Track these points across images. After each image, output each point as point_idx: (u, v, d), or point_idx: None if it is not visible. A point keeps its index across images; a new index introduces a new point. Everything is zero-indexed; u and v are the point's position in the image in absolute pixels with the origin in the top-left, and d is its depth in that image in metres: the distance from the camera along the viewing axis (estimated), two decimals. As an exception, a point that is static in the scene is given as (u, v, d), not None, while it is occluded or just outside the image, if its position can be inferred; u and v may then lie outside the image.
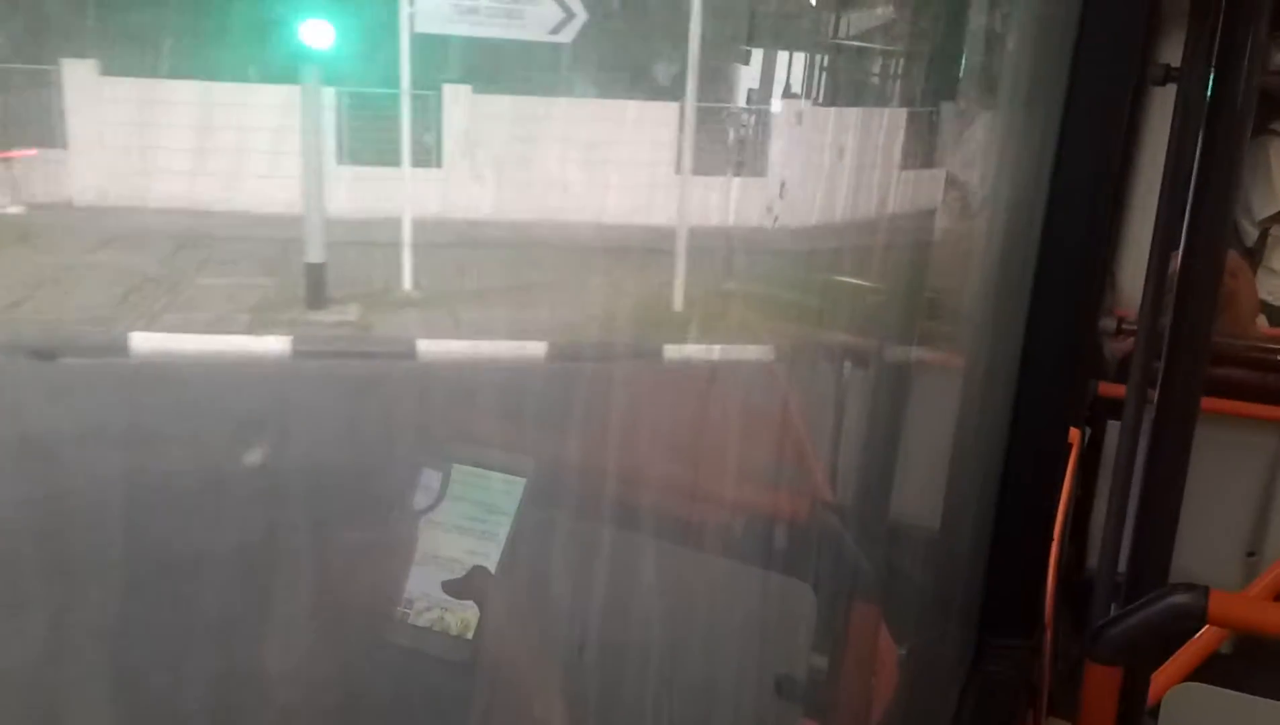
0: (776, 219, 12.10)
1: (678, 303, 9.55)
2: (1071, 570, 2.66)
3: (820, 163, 12.04)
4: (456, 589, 1.11)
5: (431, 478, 1.14)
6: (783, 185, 12.66)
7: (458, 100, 11.75)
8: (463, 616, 1.11)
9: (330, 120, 10.85)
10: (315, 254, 8.57)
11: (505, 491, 1.14)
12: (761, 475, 1.88)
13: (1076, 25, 1.31)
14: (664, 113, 12.31)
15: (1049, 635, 1.63)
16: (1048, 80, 1.46)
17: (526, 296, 9.06)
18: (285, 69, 7.87)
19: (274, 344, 7.55)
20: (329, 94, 10.60)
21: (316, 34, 7.74)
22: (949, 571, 1.57)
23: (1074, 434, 2.24)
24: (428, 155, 11.51)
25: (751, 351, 7.06)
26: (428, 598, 1.12)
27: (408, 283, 9.12)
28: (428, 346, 7.76)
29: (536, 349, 7.75)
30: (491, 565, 1.11)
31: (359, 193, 10.04)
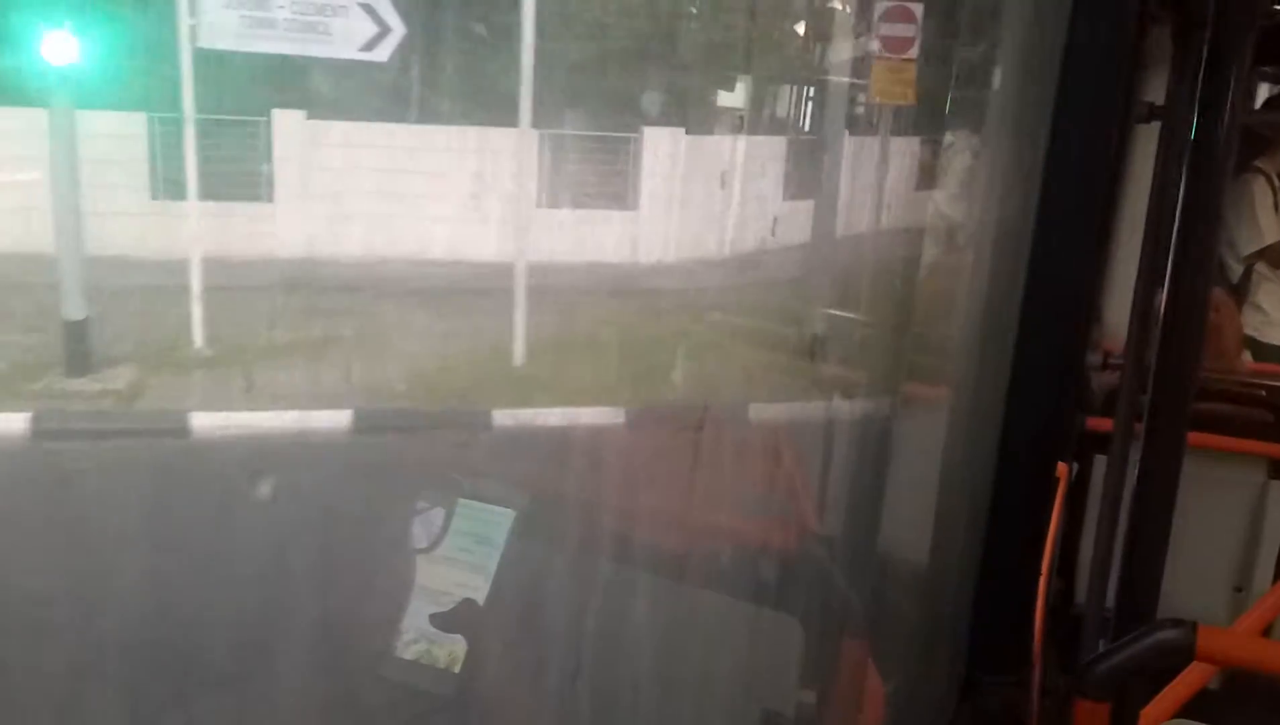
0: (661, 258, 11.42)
1: (518, 355, 8.29)
2: (1060, 605, 2.65)
3: (700, 193, 12.29)
4: (445, 622, 1.10)
5: (435, 515, 1.13)
6: (653, 218, 12.26)
7: (289, 127, 10.40)
8: (450, 650, 1.10)
9: (143, 150, 10.02)
10: (74, 309, 6.90)
11: (496, 523, 1.13)
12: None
13: (1060, 62, 1.32)
14: (523, 141, 11.20)
15: (1037, 671, 1.62)
16: (1033, 116, 1.47)
17: (344, 350, 7.57)
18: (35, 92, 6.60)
19: (8, 422, 5.81)
20: (140, 120, 9.91)
21: (59, 49, 6.18)
22: (937, 606, 1.56)
23: (1062, 468, 2.24)
24: (254, 187, 10.26)
25: (604, 413, 6.60)
26: (416, 630, 1.11)
27: (199, 338, 7.54)
28: (205, 421, 6.19)
29: (338, 419, 6.30)
30: (480, 598, 1.10)
31: (170, 231, 8.74)
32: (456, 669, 1.10)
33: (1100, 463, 2.50)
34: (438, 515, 1.15)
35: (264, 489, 4.33)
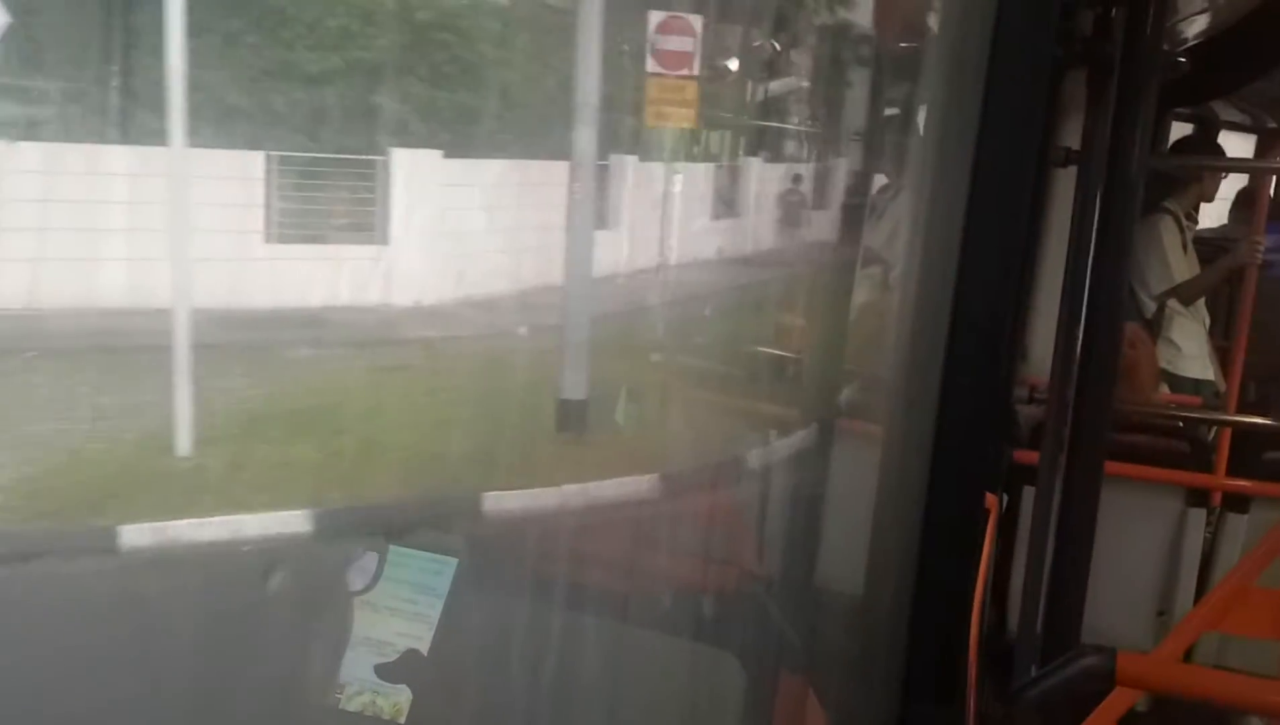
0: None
1: (183, 439, 6.04)
2: (993, 634, 2.70)
3: (467, 224, 11.04)
4: (389, 673, 1.09)
5: (368, 559, 1.12)
6: (408, 252, 10.96)
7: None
8: (395, 701, 1.09)
9: None
10: None
11: (437, 572, 1.13)
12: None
13: (980, 109, 1.38)
14: (246, 165, 10.00)
15: (971, 699, 1.65)
16: (955, 159, 1.52)
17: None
18: None
19: None
20: None
21: None
22: (873, 639, 1.58)
23: (991, 500, 2.30)
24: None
25: (284, 521, 5.32)
26: (360, 681, 1.09)
27: None
28: None
29: None
30: (424, 647, 1.10)
31: None
32: (402, 720, 1.09)
33: (1029, 494, 2.56)
34: (370, 560, 1.14)
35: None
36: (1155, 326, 4.25)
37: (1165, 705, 2.72)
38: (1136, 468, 2.81)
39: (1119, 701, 2.08)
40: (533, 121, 12.78)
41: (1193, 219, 4.66)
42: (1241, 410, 3.34)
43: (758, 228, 18.35)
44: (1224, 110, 5.16)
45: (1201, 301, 4.38)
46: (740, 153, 18.26)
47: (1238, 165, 4.86)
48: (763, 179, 18.80)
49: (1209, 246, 4.55)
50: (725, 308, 11.46)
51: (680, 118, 10.58)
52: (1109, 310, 1.69)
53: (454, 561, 1.14)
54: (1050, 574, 1.78)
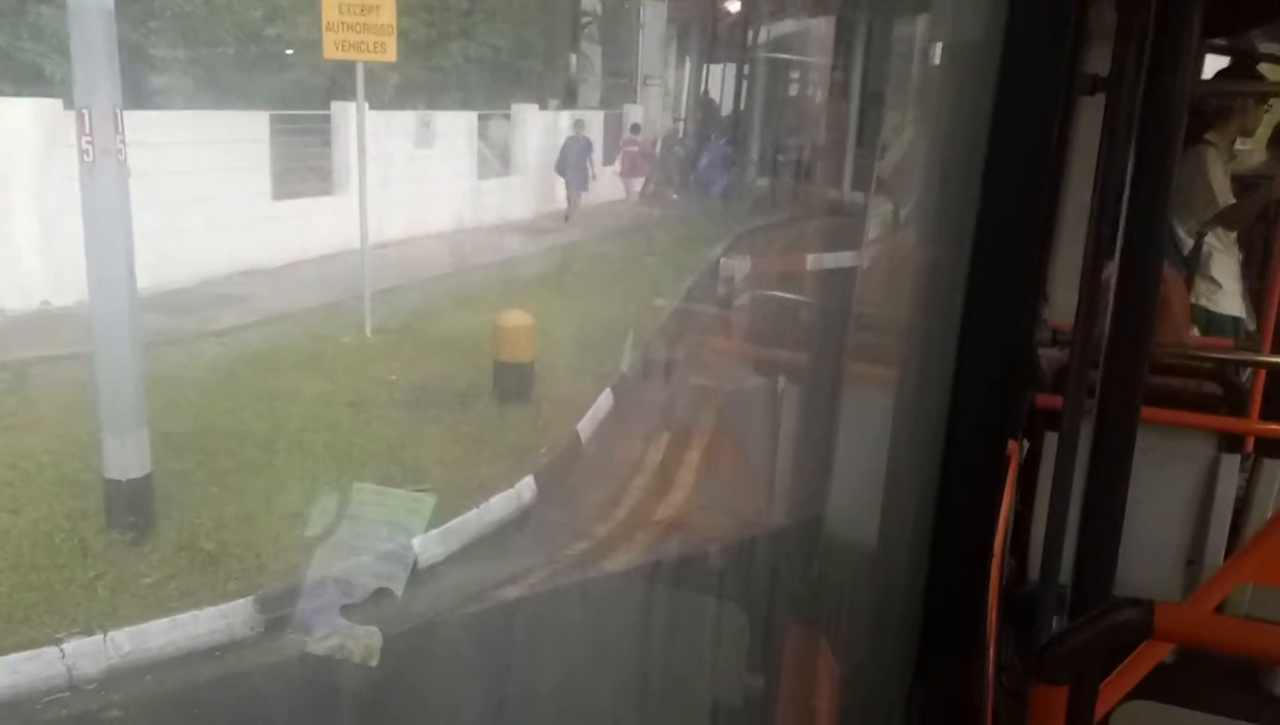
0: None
1: None
2: (1013, 584, 2.69)
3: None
4: (358, 615, 1.08)
5: (328, 499, 1.11)
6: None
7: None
8: (366, 643, 1.08)
9: None
10: None
11: (412, 508, 1.11)
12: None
13: (1002, 36, 1.33)
14: None
15: (991, 651, 1.65)
16: (975, 90, 1.48)
17: None
18: None
19: None
20: None
21: None
22: (887, 588, 1.58)
23: (1012, 447, 2.28)
24: None
25: None
26: (329, 624, 1.08)
27: None
28: None
29: None
30: (398, 588, 1.08)
31: None
32: (374, 663, 1.08)
33: (1051, 440, 2.54)
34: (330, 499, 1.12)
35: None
36: (1192, 263, 4.21)
37: (1191, 657, 2.72)
38: (1167, 412, 2.77)
39: (1151, 653, 2.07)
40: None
41: (1231, 155, 4.60)
42: (1277, 351, 3.28)
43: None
44: (1262, 42, 5.04)
45: (1234, 239, 4.33)
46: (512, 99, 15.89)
47: (1270, 90, 4.73)
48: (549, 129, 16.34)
49: (1244, 185, 4.49)
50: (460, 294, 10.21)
51: (371, 48, 8.92)
52: (1148, 245, 1.65)
53: (432, 497, 1.12)
54: (1080, 523, 1.76)
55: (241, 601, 4.68)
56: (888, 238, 1.87)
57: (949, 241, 1.59)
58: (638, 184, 16.93)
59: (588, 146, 15.71)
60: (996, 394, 1.63)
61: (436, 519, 5.27)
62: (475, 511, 5.65)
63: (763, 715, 1.63)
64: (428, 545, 5.10)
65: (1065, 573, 2.02)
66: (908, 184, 1.87)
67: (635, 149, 16.98)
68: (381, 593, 3.83)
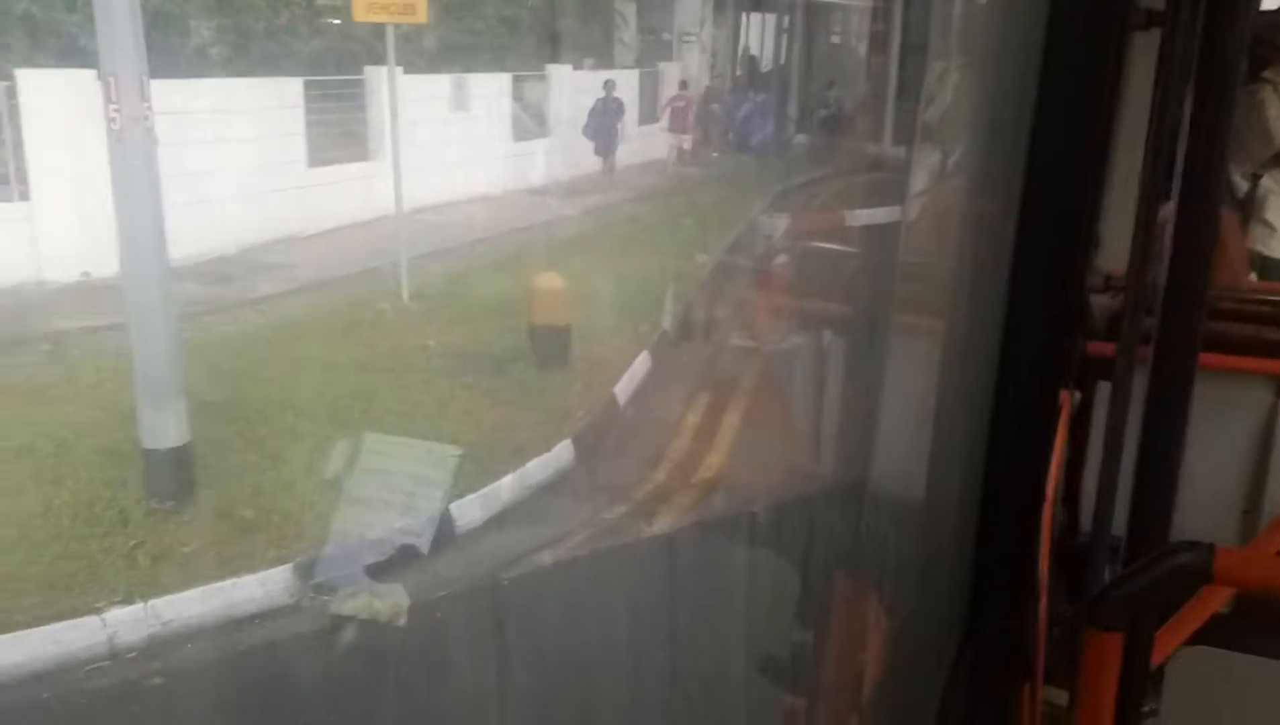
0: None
1: None
2: (1065, 535, 2.67)
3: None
4: (383, 572, 1.07)
5: (343, 446, 1.10)
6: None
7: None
8: (394, 602, 1.07)
9: None
10: None
11: (436, 462, 1.10)
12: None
13: None
14: None
15: (1044, 601, 1.64)
16: (1025, 30, 1.44)
17: None
18: None
19: None
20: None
21: None
22: (937, 540, 1.57)
23: (1064, 396, 2.25)
24: None
25: None
26: (353, 582, 1.08)
27: None
28: None
29: None
30: (424, 544, 1.08)
31: None
32: (401, 623, 1.08)
33: (1103, 389, 2.50)
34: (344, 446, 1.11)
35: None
36: (1248, 206, 4.11)
37: (1247, 608, 2.68)
38: (1224, 358, 2.72)
39: (1209, 602, 2.04)
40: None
41: None
42: None
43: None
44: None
45: None
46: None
47: None
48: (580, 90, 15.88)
49: None
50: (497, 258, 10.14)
51: (400, 9, 9.07)
52: (1206, 187, 1.60)
53: (456, 450, 1.12)
54: (1136, 471, 1.73)
55: (280, 569, 4.66)
56: (934, 188, 1.84)
57: (999, 187, 1.56)
58: (687, 141, 16.74)
59: (619, 109, 15.34)
60: (1048, 342, 1.61)
61: (474, 483, 5.27)
62: (512, 476, 5.66)
63: (810, 668, 1.63)
64: (465, 510, 5.11)
65: (1118, 524, 2.00)
66: (954, 132, 1.84)
67: (683, 104, 16.77)
68: (412, 553, 3.94)
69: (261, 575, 4.67)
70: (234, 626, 4.49)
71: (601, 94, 15.27)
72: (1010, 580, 1.47)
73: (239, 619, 4.52)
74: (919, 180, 1.94)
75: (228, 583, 4.63)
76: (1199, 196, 1.63)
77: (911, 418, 1.58)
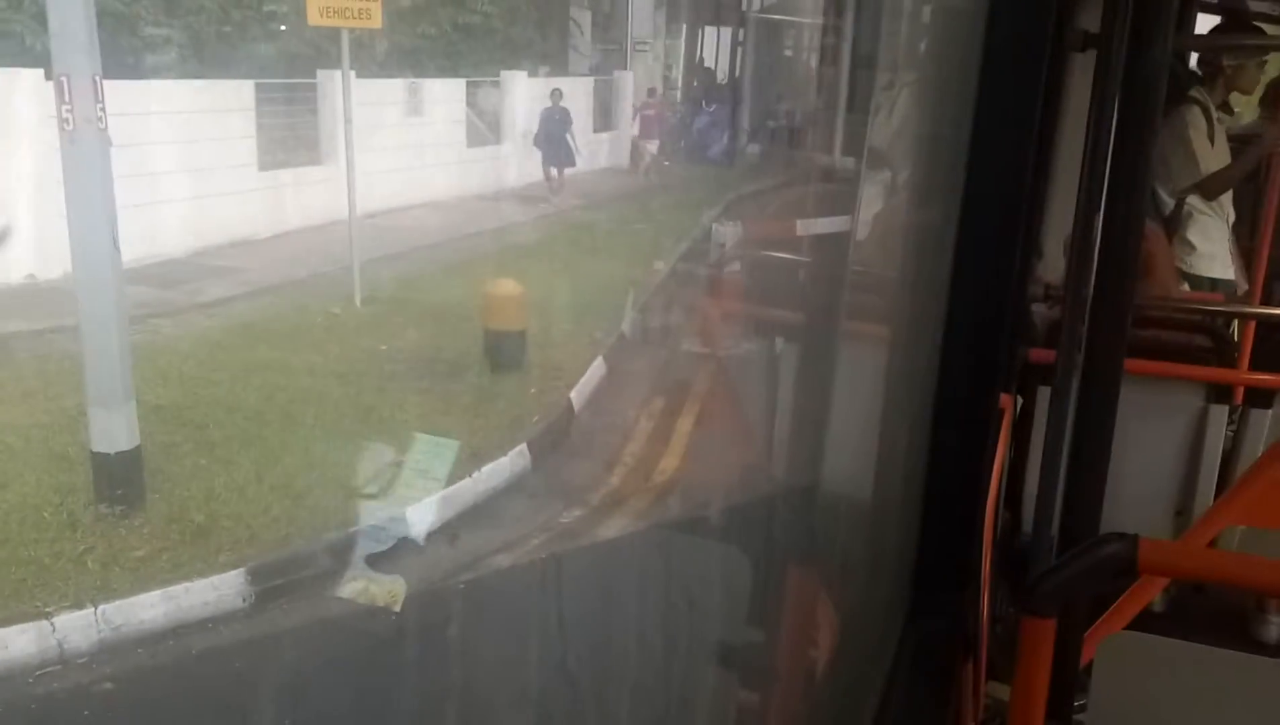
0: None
1: None
2: (1008, 535, 2.76)
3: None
4: (381, 562, 1.13)
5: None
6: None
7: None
8: (390, 589, 1.13)
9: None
10: None
11: (435, 454, 1.16)
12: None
13: None
14: None
15: (985, 595, 1.72)
16: (965, 47, 1.52)
17: None
18: None
19: None
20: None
21: None
22: (882, 532, 1.64)
23: (1005, 400, 2.34)
24: None
25: None
26: (352, 568, 1.13)
27: None
28: None
29: None
30: (421, 535, 1.13)
31: None
32: (397, 608, 1.13)
33: (1044, 394, 2.60)
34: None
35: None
36: (1172, 224, 4.21)
37: (1182, 606, 2.80)
38: (1156, 364, 2.83)
39: (1139, 595, 2.13)
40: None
41: (1227, 110, 4.57)
42: (1265, 303, 3.34)
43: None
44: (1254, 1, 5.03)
45: (1228, 198, 4.33)
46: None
47: (1266, 44, 4.73)
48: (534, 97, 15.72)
49: (1239, 142, 4.48)
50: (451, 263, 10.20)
51: (355, 14, 9.02)
52: (1130, 201, 1.69)
53: (455, 443, 1.17)
54: (1067, 472, 1.82)
55: (233, 573, 4.70)
56: (881, 199, 1.92)
57: (940, 199, 1.64)
58: (654, 146, 16.69)
59: (566, 118, 14.95)
60: (987, 347, 1.69)
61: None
62: (468, 480, 5.64)
63: (763, 660, 1.69)
64: (420, 514, 5.16)
65: (1057, 522, 2.09)
66: (900, 145, 1.92)
67: (652, 112, 16.76)
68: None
69: (214, 579, 4.67)
70: (185, 631, 4.49)
71: (548, 103, 14.97)
72: (951, 573, 1.55)
73: (191, 623, 4.53)
74: (867, 191, 2.02)
75: (179, 587, 4.62)
76: (1123, 209, 1.73)
77: (859, 420, 1.66)
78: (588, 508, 5.63)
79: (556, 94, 15.00)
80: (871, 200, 1.94)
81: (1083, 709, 1.81)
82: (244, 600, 4.65)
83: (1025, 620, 1.40)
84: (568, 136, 14.85)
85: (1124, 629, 2.06)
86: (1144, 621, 2.26)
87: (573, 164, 14.79)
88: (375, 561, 4.35)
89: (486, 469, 5.89)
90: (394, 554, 4.56)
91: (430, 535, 5.25)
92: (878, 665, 1.52)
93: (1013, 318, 2.11)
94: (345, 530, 4.93)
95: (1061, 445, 2.22)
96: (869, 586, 1.65)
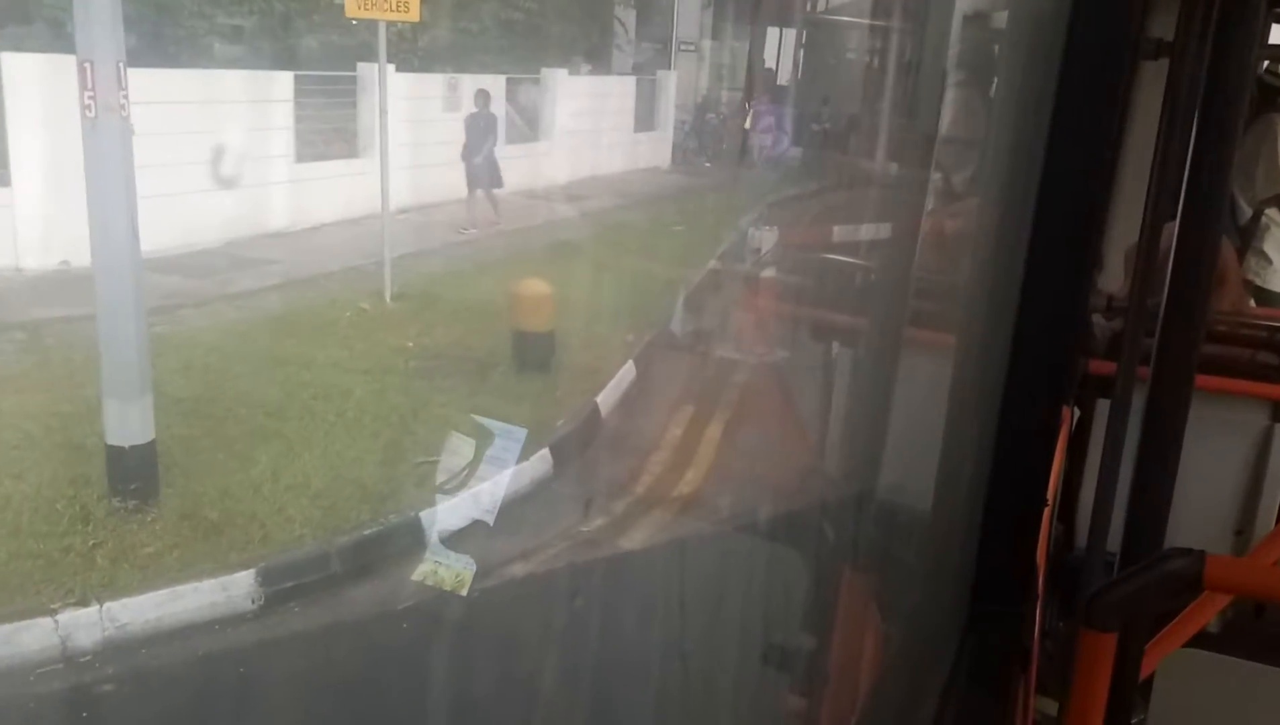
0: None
1: None
2: (1060, 550, 2.77)
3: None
4: (452, 543, 1.17)
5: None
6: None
7: None
8: (458, 572, 1.16)
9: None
10: None
11: (505, 444, 1.20)
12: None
13: (1070, 2, 1.40)
14: None
15: (1039, 607, 1.73)
16: (1041, 59, 1.55)
17: None
18: None
19: None
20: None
21: None
22: (941, 543, 1.67)
23: (1065, 412, 2.35)
24: None
25: None
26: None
27: None
28: None
29: None
30: (490, 518, 1.17)
31: None
32: (464, 592, 1.16)
33: (1102, 406, 2.60)
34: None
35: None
36: (1247, 236, 4.21)
37: (1236, 628, 2.79)
38: (1221, 380, 2.82)
39: (1200, 612, 2.14)
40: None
41: None
42: None
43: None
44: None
45: None
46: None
47: None
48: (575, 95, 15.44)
49: None
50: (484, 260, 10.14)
51: (394, 7, 9.07)
52: (1207, 213, 1.70)
53: (523, 431, 1.21)
54: (1133, 487, 1.83)
55: (243, 573, 4.70)
56: (941, 206, 1.94)
57: (1012, 210, 1.67)
58: (769, 139, 16.03)
59: (492, 127, 12.36)
60: (1054, 360, 1.72)
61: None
62: (487, 484, 5.65)
63: (812, 663, 1.72)
64: (437, 518, 5.06)
65: (1113, 539, 2.10)
66: (957, 152, 1.94)
67: (765, 108, 16.08)
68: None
69: (223, 580, 4.69)
70: (191, 632, 4.49)
71: (474, 108, 12.44)
72: (1010, 580, 1.57)
73: (197, 624, 4.53)
74: (927, 198, 2.04)
75: (187, 587, 4.63)
76: (1200, 222, 1.74)
77: (922, 429, 1.68)
78: (610, 517, 5.58)
79: (483, 97, 12.37)
80: (933, 208, 1.97)
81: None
82: (253, 602, 4.68)
83: (1085, 634, 1.41)
84: (490, 147, 12.21)
85: (1184, 645, 2.07)
86: (1199, 641, 2.27)
87: (499, 184, 12.16)
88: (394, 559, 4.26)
89: (507, 473, 5.88)
90: (405, 558, 4.47)
91: (443, 541, 5.26)
92: (934, 676, 1.54)
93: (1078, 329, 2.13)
94: (359, 532, 4.94)
95: (1120, 459, 2.23)
96: (928, 596, 1.68)
